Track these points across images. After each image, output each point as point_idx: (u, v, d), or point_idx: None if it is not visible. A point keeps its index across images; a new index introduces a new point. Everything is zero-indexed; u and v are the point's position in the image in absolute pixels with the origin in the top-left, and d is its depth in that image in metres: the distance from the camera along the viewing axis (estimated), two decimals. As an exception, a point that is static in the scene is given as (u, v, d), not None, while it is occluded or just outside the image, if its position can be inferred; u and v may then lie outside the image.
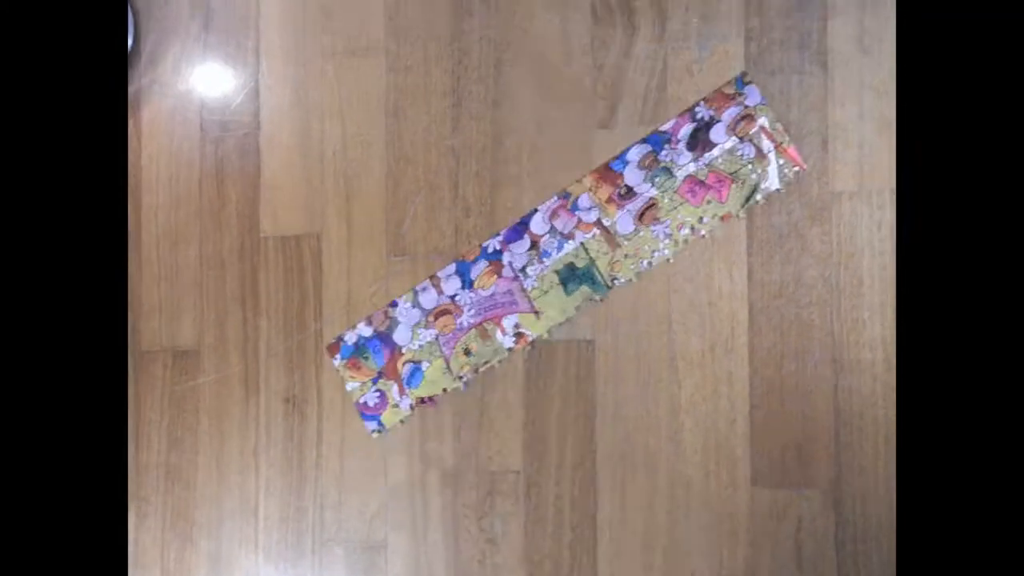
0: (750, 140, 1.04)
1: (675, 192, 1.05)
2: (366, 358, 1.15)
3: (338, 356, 1.15)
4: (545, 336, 1.09)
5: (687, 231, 1.05)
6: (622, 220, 1.07)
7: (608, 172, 1.08)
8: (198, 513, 1.20)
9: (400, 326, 1.14)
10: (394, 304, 1.14)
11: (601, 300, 1.08)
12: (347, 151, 1.17)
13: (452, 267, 1.12)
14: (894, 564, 0.99)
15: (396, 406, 1.14)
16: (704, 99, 1.05)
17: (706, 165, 1.05)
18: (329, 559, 1.16)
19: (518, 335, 1.10)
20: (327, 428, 1.16)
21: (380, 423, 1.14)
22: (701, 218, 1.05)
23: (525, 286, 1.10)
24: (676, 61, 1.06)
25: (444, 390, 1.12)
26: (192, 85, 1.22)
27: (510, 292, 1.10)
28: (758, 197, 1.03)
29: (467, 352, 1.12)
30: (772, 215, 1.03)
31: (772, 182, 1.03)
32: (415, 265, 1.14)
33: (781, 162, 1.02)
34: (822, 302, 1.02)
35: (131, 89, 1.24)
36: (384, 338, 1.14)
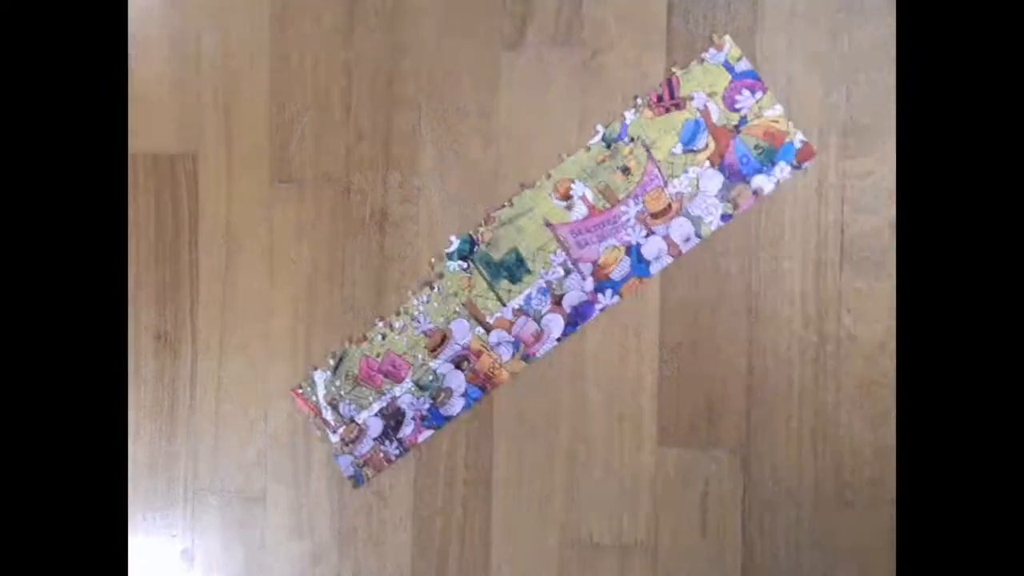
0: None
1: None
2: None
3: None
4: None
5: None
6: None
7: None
8: (59, 457, 1.10)
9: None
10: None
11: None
12: (227, 62, 1.04)
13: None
14: (799, 529, 0.94)
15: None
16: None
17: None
18: (202, 509, 1.07)
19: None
20: (203, 368, 1.06)
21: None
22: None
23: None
24: (594, -24, 0.95)
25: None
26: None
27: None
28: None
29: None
30: (691, 153, 0.94)
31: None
32: (303, 192, 1.03)
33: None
34: (740, 251, 0.94)
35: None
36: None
